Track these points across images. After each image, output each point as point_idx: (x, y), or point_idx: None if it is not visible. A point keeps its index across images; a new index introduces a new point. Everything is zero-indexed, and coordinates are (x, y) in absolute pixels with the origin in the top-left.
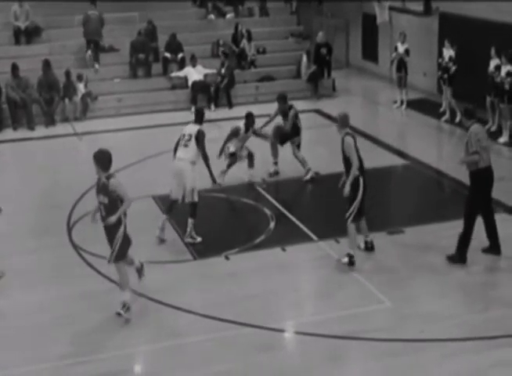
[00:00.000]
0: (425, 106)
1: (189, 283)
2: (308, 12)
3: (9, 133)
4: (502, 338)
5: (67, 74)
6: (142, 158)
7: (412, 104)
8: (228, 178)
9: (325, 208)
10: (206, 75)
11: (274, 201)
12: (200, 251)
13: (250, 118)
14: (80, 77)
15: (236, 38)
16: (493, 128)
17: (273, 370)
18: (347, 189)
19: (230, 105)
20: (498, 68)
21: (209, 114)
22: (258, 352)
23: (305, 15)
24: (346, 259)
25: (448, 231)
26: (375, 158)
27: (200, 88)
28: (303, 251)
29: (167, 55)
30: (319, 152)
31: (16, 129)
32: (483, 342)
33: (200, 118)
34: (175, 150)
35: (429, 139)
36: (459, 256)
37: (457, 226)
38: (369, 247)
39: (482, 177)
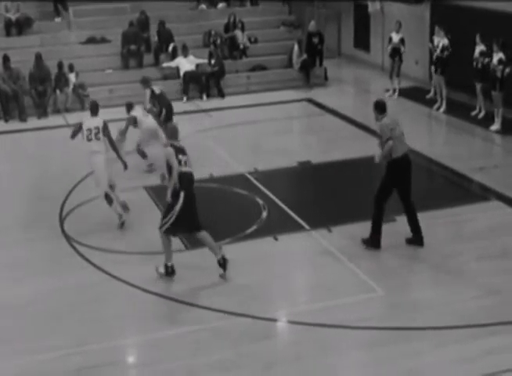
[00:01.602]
0: (417, 95)
1: (181, 273)
2: (300, 1)
3: (0, 125)
4: (495, 326)
5: (60, 65)
6: (133, 149)
7: (404, 92)
8: (220, 169)
9: (317, 197)
10: (198, 65)
11: (266, 190)
12: (193, 241)
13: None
14: (71, 68)
15: (228, 28)
16: (481, 115)
17: (266, 359)
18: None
19: (222, 95)
20: (483, 54)
21: (200, 105)
22: (251, 342)
23: (297, 4)
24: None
25: (440, 219)
26: (367, 147)
27: (191, 78)
28: (295, 241)
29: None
30: (310, 141)
31: (8, 121)
32: (475, 330)
33: (97, 110)
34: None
35: (421, 127)
36: (372, 241)
37: (450, 214)
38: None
39: (398, 166)
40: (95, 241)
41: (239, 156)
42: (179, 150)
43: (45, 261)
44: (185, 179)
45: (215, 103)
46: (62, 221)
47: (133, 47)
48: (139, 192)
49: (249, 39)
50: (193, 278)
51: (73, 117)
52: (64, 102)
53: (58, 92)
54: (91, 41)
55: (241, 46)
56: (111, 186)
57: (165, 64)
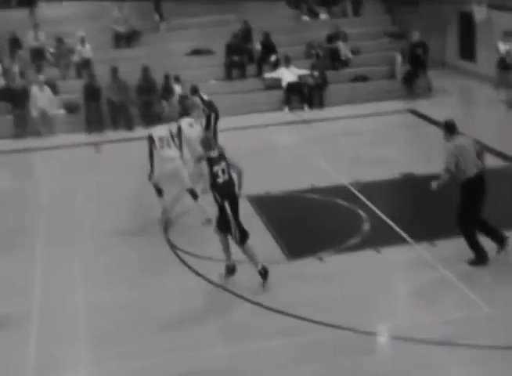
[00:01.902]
0: None
1: (281, 283)
2: (403, 11)
3: (109, 134)
4: None
5: (166, 77)
6: (236, 159)
7: None
8: (321, 179)
9: (420, 210)
10: (300, 76)
11: (368, 202)
12: (294, 252)
13: None
14: (177, 79)
15: (330, 39)
16: None
17: (364, 374)
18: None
19: (322, 105)
20: None
21: (302, 115)
22: (350, 356)
23: (400, 14)
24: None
25: None
26: None
27: (293, 88)
28: (398, 254)
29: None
30: (413, 152)
31: (116, 130)
32: None
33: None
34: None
35: None
36: (478, 259)
37: None
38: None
39: (471, 185)
40: (199, 249)
41: (340, 166)
42: (215, 161)
43: (147, 267)
44: (225, 189)
45: (317, 113)
46: (166, 228)
47: (236, 58)
48: (241, 201)
49: (351, 50)
50: (293, 289)
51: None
52: (170, 112)
53: (164, 102)
54: (195, 52)
55: (343, 57)
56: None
57: (268, 75)
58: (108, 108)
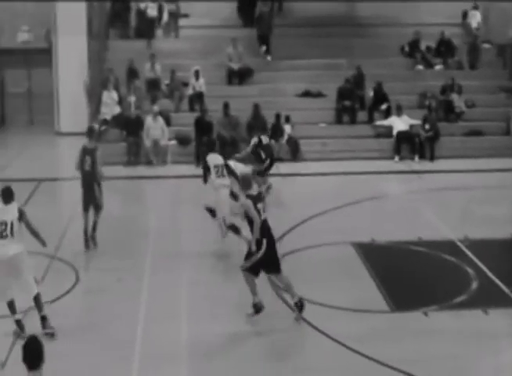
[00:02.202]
0: None
1: (383, 334)
2: None
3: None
4: None
5: (277, 116)
6: (342, 204)
7: None
8: (428, 233)
9: None
10: (411, 126)
11: (476, 260)
12: (398, 304)
13: None
14: (287, 119)
15: (444, 90)
16: None
17: None
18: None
19: (433, 157)
20: None
21: (412, 165)
22: None
23: None
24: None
25: None
26: None
27: (404, 138)
28: (507, 317)
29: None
30: None
31: None
32: None
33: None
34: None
35: None
36: None
37: None
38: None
39: None
40: (302, 291)
41: (449, 221)
42: (256, 199)
43: (250, 305)
44: (265, 227)
45: (427, 165)
46: None
47: (347, 103)
48: (346, 247)
49: (465, 103)
50: (396, 341)
51: (285, 167)
52: (278, 151)
53: (273, 141)
54: (307, 94)
55: (457, 110)
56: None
57: (379, 122)
58: (218, 143)
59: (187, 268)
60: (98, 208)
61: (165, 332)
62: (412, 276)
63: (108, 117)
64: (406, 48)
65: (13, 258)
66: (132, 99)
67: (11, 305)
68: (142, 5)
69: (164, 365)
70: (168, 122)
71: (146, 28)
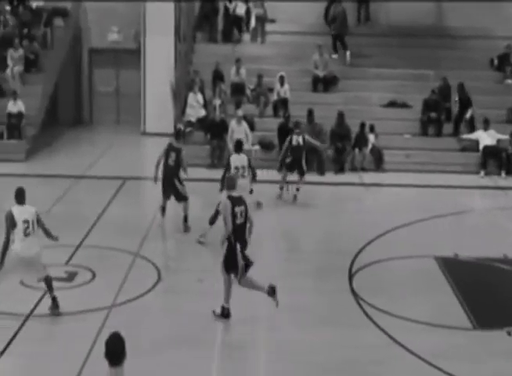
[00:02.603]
0: None
1: (464, 351)
2: None
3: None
4: None
5: (362, 125)
6: (426, 217)
7: None
8: None
9: None
10: (499, 140)
11: None
12: (481, 321)
13: None
14: (372, 129)
15: None
16: None
17: None
18: None
19: None
20: None
21: (498, 181)
22: None
23: None
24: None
25: None
26: None
27: (490, 152)
28: None
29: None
30: None
31: (307, 172)
32: None
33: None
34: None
35: None
36: None
37: None
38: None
39: None
40: (383, 303)
41: None
42: (236, 201)
43: (329, 313)
44: (240, 232)
45: None
46: (351, 277)
47: (433, 115)
48: (429, 261)
49: None
50: (477, 360)
51: (368, 177)
52: (361, 161)
53: (357, 150)
54: (392, 104)
55: None
56: None
57: (465, 136)
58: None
59: (268, 272)
60: (181, 199)
61: (244, 336)
62: (496, 293)
63: (193, 119)
64: (496, 62)
65: (34, 257)
66: (217, 102)
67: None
68: (231, 5)
69: (243, 367)
70: (252, 127)
71: (234, 27)
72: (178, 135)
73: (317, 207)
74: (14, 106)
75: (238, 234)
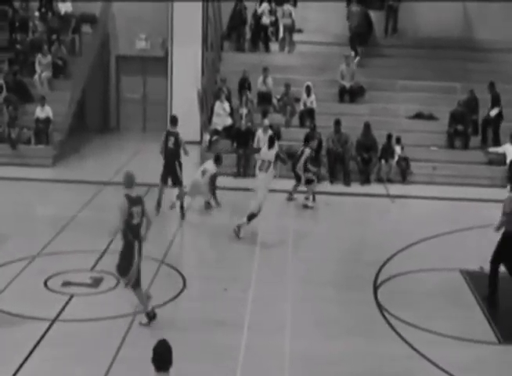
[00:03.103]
0: None
1: (490, 366)
2: None
3: (326, 186)
4: None
5: (389, 137)
6: (452, 230)
7: None
8: None
9: None
10: None
11: None
12: (507, 336)
13: None
14: (398, 140)
15: None
16: None
17: None
18: None
19: None
20: None
21: None
22: None
23: None
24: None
25: None
26: None
27: None
28: None
29: None
30: None
31: (333, 183)
32: None
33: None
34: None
35: None
36: (489, 300)
37: None
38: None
39: (508, 239)
40: (408, 315)
41: None
42: (134, 201)
43: (353, 324)
44: (136, 231)
45: None
46: (376, 288)
47: (460, 127)
48: (454, 274)
49: None
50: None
51: (394, 189)
52: (387, 172)
53: (383, 161)
54: (418, 116)
55: None
56: None
57: (492, 149)
58: (328, 159)
59: (293, 281)
60: (177, 183)
61: (268, 345)
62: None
63: (219, 127)
64: None
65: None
66: (244, 111)
67: None
68: (259, 10)
69: None
70: (278, 136)
71: (260, 35)
72: (173, 121)
73: (343, 217)
74: (42, 112)
75: (134, 234)
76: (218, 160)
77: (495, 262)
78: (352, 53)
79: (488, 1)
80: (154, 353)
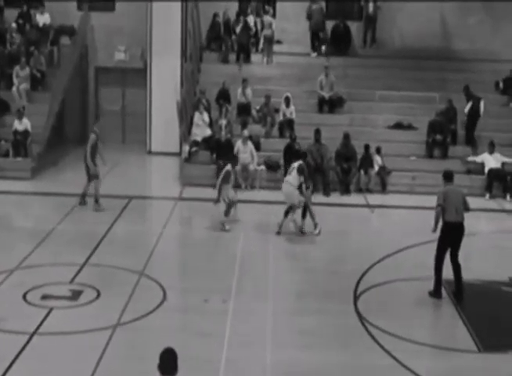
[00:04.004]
0: None
1: (470, 374)
2: None
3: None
4: None
5: (366, 147)
6: (431, 239)
7: None
8: None
9: None
10: (504, 163)
11: None
12: (487, 344)
13: None
14: (378, 150)
15: None
16: None
17: None
18: None
19: None
20: None
21: (503, 204)
22: None
23: None
24: None
25: None
26: None
27: (496, 175)
28: None
29: None
30: None
31: (313, 193)
32: None
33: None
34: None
35: None
36: (435, 292)
37: None
38: None
39: (448, 229)
40: (388, 325)
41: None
42: None
43: (333, 335)
44: None
45: None
46: (356, 298)
47: (439, 137)
48: (429, 283)
49: None
50: None
51: (373, 199)
52: (367, 182)
53: (362, 172)
54: (397, 126)
55: None
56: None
57: (470, 158)
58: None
59: (273, 292)
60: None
61: (249, 356)
62: (502, 317)
63: (199, 138)
64: (501, 85)
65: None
66: (223, 122)
67: None
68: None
69: None
70: (258, 147)
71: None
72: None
73: (322, 227)
74: (20, 124)
75: None
76: (300, 172)
77: (439, 256)
78: (314, 53)
79: (465, 12)
80: (160, 360)
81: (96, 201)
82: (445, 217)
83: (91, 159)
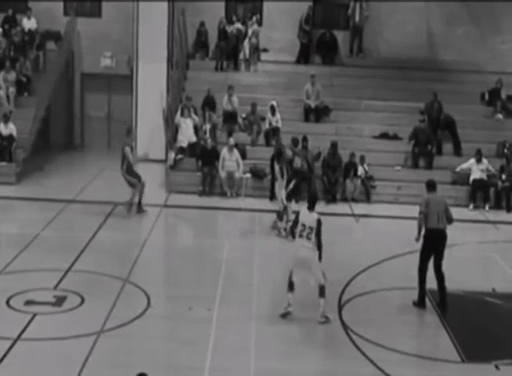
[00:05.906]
0: None
1: None
2: None
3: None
4: None
5: (352, 155)
6: (415, 249)
7: None
8: (504, 284)
9: None
10: (488, 175)
11: None
12: (470, 355)
13: None
14: (362, 160)
15: None
16: None
17: None
18: None
19: (508, 209)
20: None
21: (487, 215)
22: None
23: None
24: None
25: None
26: None
27: (480, 186)
28: None
29: None
30: None
31: (298, 202)
32: None
33: (313, 204)
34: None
35: None
36: (419, 302)
37: None
38: None
39: (430, 236)
40: (372, 334)
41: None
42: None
43: (319, 343)
44: None
45: (503, 215)
46: (340, 307)
47: (424, 147)
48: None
49: None
50: None
51: (358, 208)
52: (352, 191)
53: (347, 181)
54: (383, 136)
55: None
56: None
57: (458, 168)
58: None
59: (258, 301)
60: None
61: (233, 365)
62: (485, 327)
63: (184, 145)
64: (486, 96)
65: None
66: (207, 126)
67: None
68: (229, 30)
69: None
70: (244, 155)
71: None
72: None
73: None
74: (5, 129)
75: None
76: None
77: (422, 266)
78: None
79: (452, 23)
80: None
81: (139, 204)
82: (427, 224)
83: (129, 171)
